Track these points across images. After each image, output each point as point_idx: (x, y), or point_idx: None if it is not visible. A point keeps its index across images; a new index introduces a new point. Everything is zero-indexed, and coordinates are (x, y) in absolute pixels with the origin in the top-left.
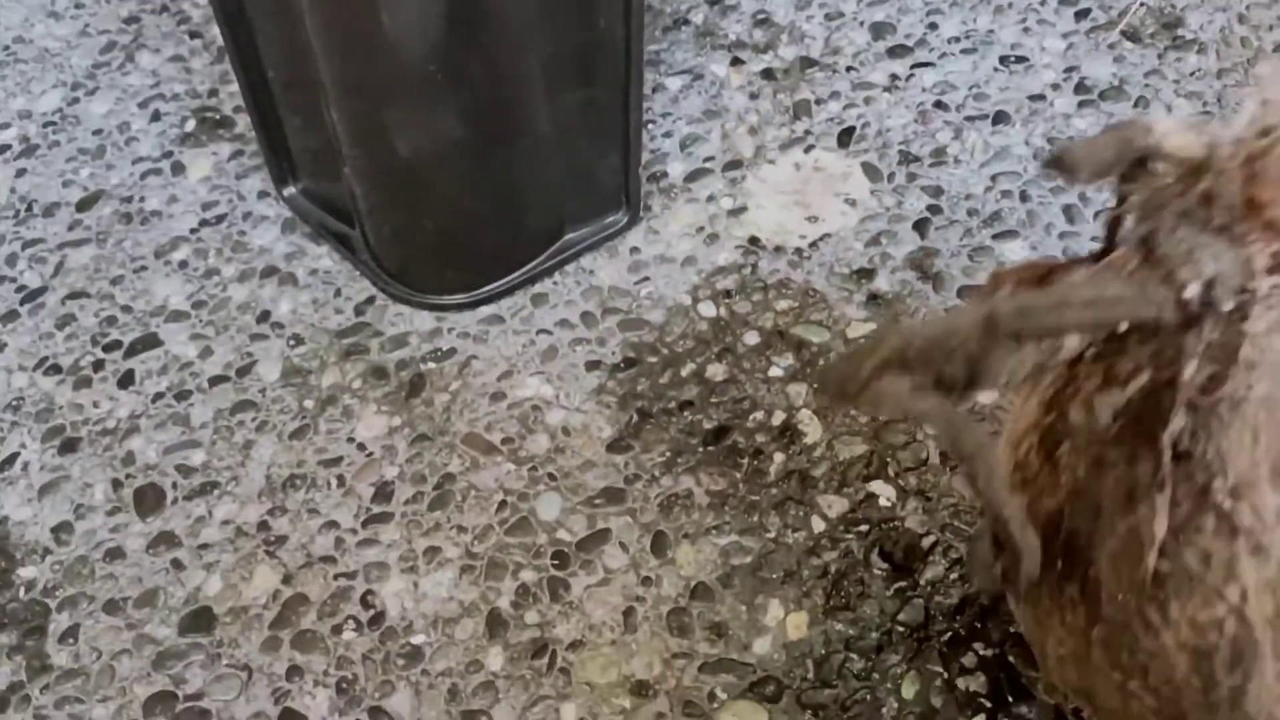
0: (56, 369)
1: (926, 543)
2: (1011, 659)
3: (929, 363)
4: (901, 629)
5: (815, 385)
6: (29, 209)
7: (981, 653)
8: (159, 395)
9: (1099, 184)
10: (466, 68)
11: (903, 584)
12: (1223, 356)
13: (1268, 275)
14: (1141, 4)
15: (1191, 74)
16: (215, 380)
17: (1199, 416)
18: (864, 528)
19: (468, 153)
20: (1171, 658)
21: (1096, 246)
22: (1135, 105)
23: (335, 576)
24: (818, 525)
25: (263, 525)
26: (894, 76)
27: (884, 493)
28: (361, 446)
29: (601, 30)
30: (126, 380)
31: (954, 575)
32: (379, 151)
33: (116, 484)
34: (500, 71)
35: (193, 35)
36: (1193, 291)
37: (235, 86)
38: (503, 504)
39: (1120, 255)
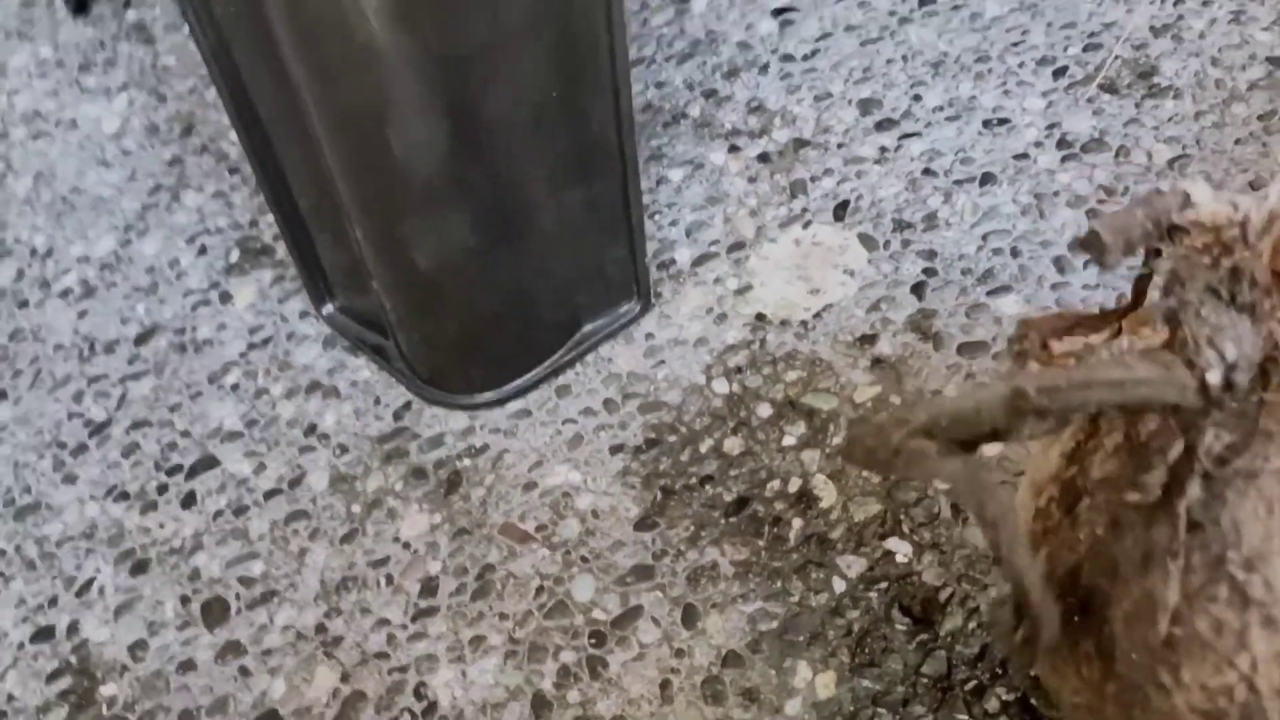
0: (125, 495)
1: (944, 595)
2: (1034, 701)
3: (955, 436)
4: (925, 681)
5: (841, 451)
6: (91, 348)
7: (1004, 698)
8: (219, 513)
9: (1129, 260)
10: (472, 180)
11: (924, 637)
12: (1241, 427)
13: None
14: (1116, 57)
15: (1169, 119)
16: (269, 494)
17: (1215, 486)
18: (883, 585)
19: (480, 258)
20: (1183, 719)
21: (1095, 295)
22: (1116, 155)
23: (389, 671)
24: (839, 585)
25: (320, 628)
26: (883, 149)
27: (900, 549)
28: (406, 545)
29: (596, 134)
30: (189, 501)
31: (972, 625)
32: (400, 264)
33: (185, 600)
34: (504, 180)
35: (232, 171)
36: (1215, 378)
37: (272, 216)
38: (540, 589)
39: (1144, 318)
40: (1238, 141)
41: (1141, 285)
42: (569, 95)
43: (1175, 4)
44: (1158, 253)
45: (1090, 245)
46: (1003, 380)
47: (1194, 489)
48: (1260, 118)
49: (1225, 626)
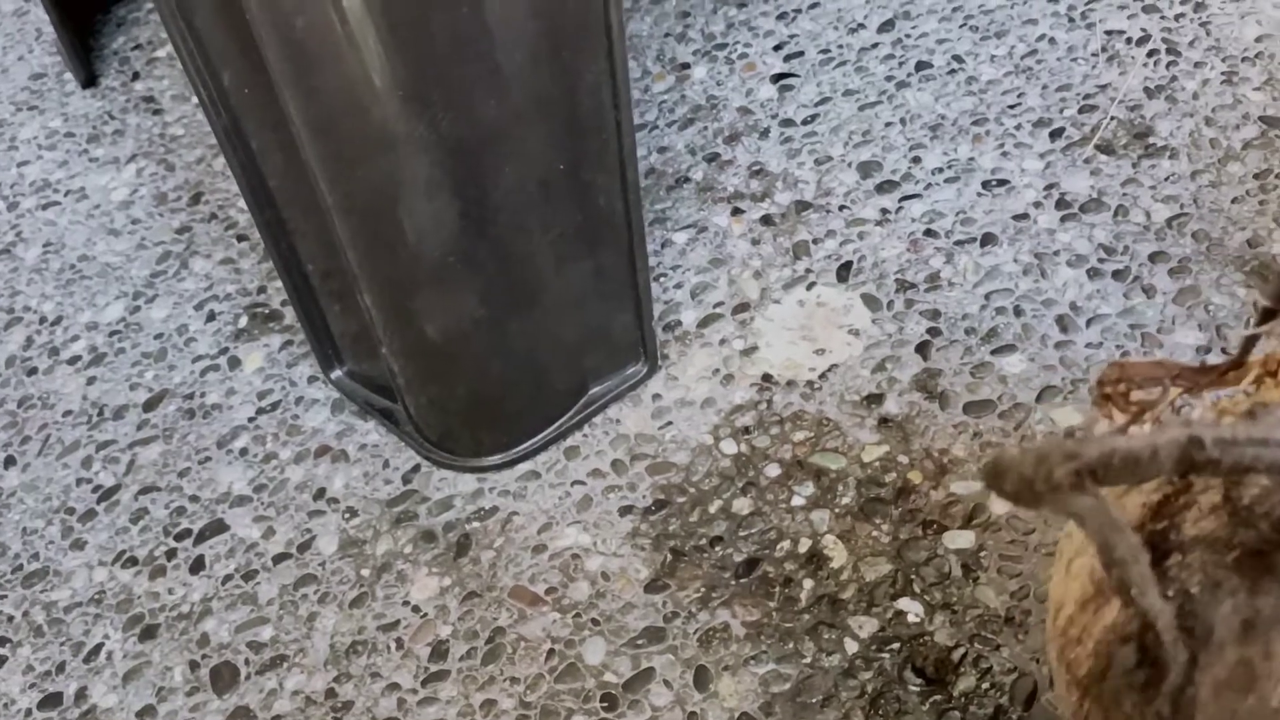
0: (133, 561)
1: (956, 655)
2: None
3: (1120, 479)
4: None
5: (985, 474)
6: (100, 413)
7: None
8: (228, 577)
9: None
10: (481, 255)
11: (937, 697)
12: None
13: None
14: (1112, 118)
15: (1166, 179)
16: (279, 558)
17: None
18: (895, 645)
19: (489, 328)
20: None
21: (1099, 354)
22: (1115, 215)
23: None
24: (851, 646)
25: (330, 693)
26: (884, 210)
27: (911, 609)
28: (416, 609)
29: (602, 207)
30: (198, 566)
31: (985, 685)
32: (410, 333)
33: (194, 665)
34: (512, 255)
35: (240, 238)
36: None
37: (281, 283)
38: (551, 652)
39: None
40: (1234, 200)
41: (1249, 344)
42: (577, 171)
43: (1168, 65)
44: (1272, 314)
45: (1266, 279)
46: (1178, 428)
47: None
48: (1256, 176)
49: None
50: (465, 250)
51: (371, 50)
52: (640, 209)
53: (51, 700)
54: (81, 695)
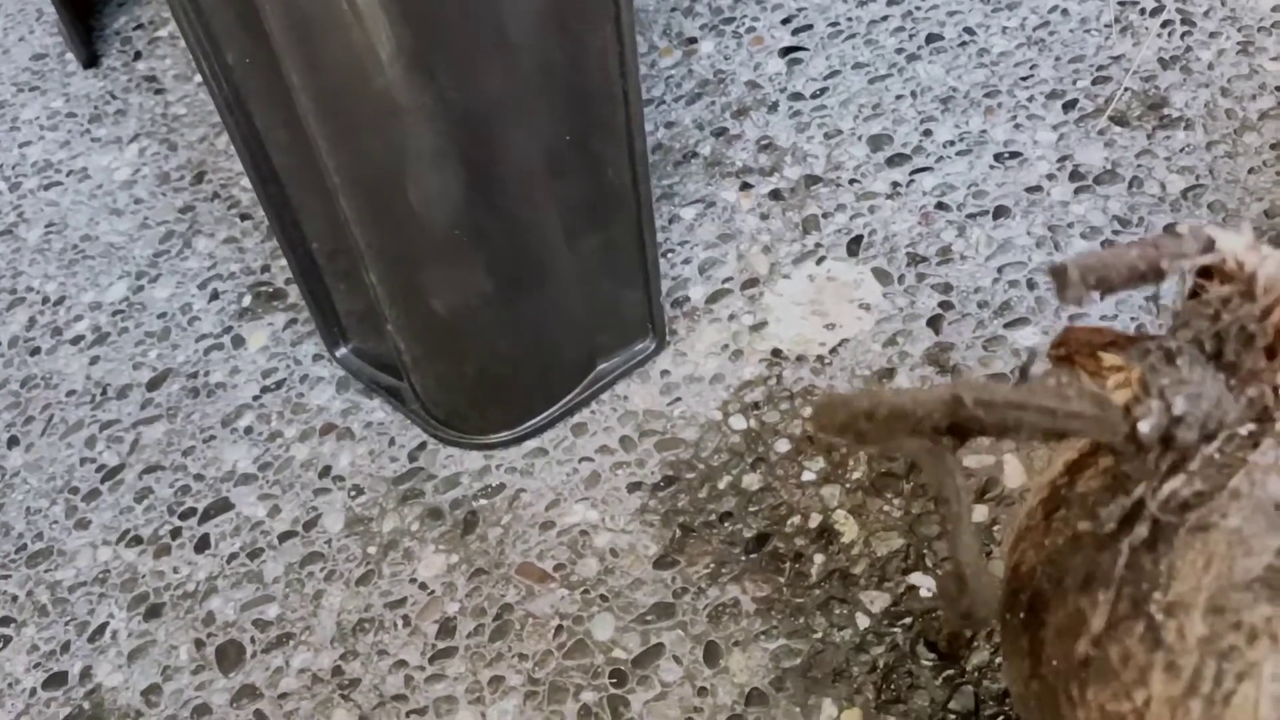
0: (138, 540)
1: (969, 630)
2: None
3: (890, 431)
4: (953, 717)
5: (812, 422)
6: (104, 393)
7: None
8: (233, 556)
9: (1094, 296)
10: (488, 229)
11: (950, 672)
12: (1215, 480)
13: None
14: (1126, 89)
15: (1181, 150)
16: (284, 536)
17: (1164, 530)
18: (907, 620)
19: (498, 303)
20: None
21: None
22: (1130, 186)
23: (408, 714)
24: (862, 621)
25: (336, 670)
26: (895, 184)
27: (924, 584)
28: (423, 586)
29: (611, 180)
30: (203, 544)
31: (999, 659)
32: (416, 309)
33: (199, 644)
34: (520, 228)
35: (243, 217)
36: (1146, 428)
37: (285, 261)
38: (559, 629)
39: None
40: (1251, 170)
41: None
42: (584, 143)
43: (1183, 36)
44: (1195, 293)
45: (1056, 276)
46: (945, 386)
47: (1141, 529)
48: (1273, 146)
49: (1132, 660)
50: (472, 223)
51: (376, 18)
52: (649, 181)
53: (56, 680)
54: (86, 674)
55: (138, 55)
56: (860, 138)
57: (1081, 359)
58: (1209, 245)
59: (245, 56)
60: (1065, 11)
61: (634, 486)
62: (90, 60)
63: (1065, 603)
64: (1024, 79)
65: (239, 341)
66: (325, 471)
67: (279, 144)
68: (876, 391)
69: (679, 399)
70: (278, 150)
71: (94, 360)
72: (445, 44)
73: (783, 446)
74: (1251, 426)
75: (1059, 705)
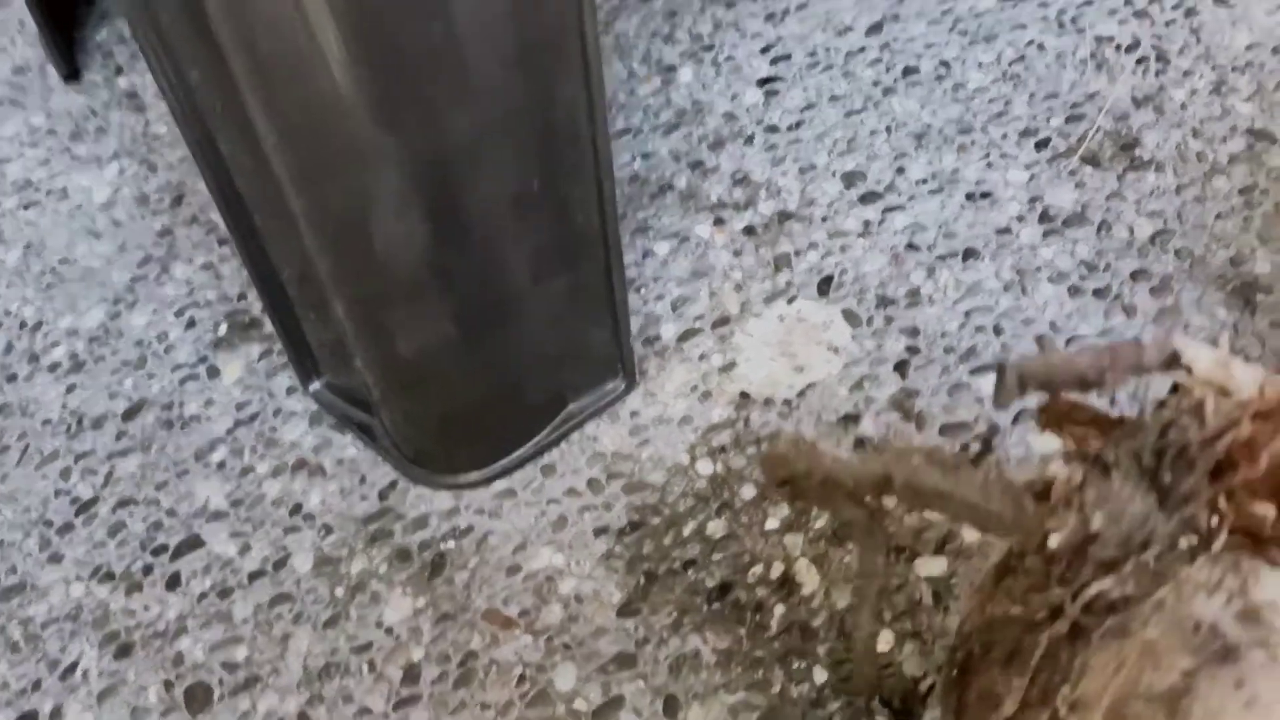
0: (110, 576)
1: (924, 685)
2: None
3: (825, 495)
4: None
5: (763, 464)
6: (79, 423)
7: None
8: (203, 595)
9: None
10: (454, 272)
11: None
12: (1143, 587)
13: (1219, 533)
14: (1098, 128)
15: (1151, 193)
16: (254, 575)
17: (1086, 627)
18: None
19: (463, 344)
20: None
21: None
22: (1099, 230)
23: None
24: (820, 676)
25: (302, 715)
26: (867, 223)
27: (882, 637)
28: (389, 630)
29: (578, 223)
30: (174, 582)
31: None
32: (383, 347)
33: (168, 685)
34: (486, 271)
35: (221, 242)
36: (1055, 542)
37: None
38: (522, 677)
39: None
40: (1219, 216)
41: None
42: (551, 186)
43: (1157, 74)
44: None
45: (999, 376)
46: (878, 461)
47: (1062, 624)
48: (1241, 191)
49: None
50: (438, 266)
51: (340, 65)
52: (617, 224)
53: (27, 719)
54: (56, 713)
55: (119, 70)
56: (834, 173)
57: (1067, 425)
58: (1172, 359)
59: (211, 94)
60: (1042, 46)
61: (600, 530)
62: (72, 74)
63: (989, 674)
64: (998, 115)
65: (214, 372)
66: (296, 509)
67: (248, 182)
68: (818, 454)
69: (648, 440)
70: (247, 188)
71: (70, 388)
72: (411, 90)
73: (748, 492)
74: (1192, 540)
75: None
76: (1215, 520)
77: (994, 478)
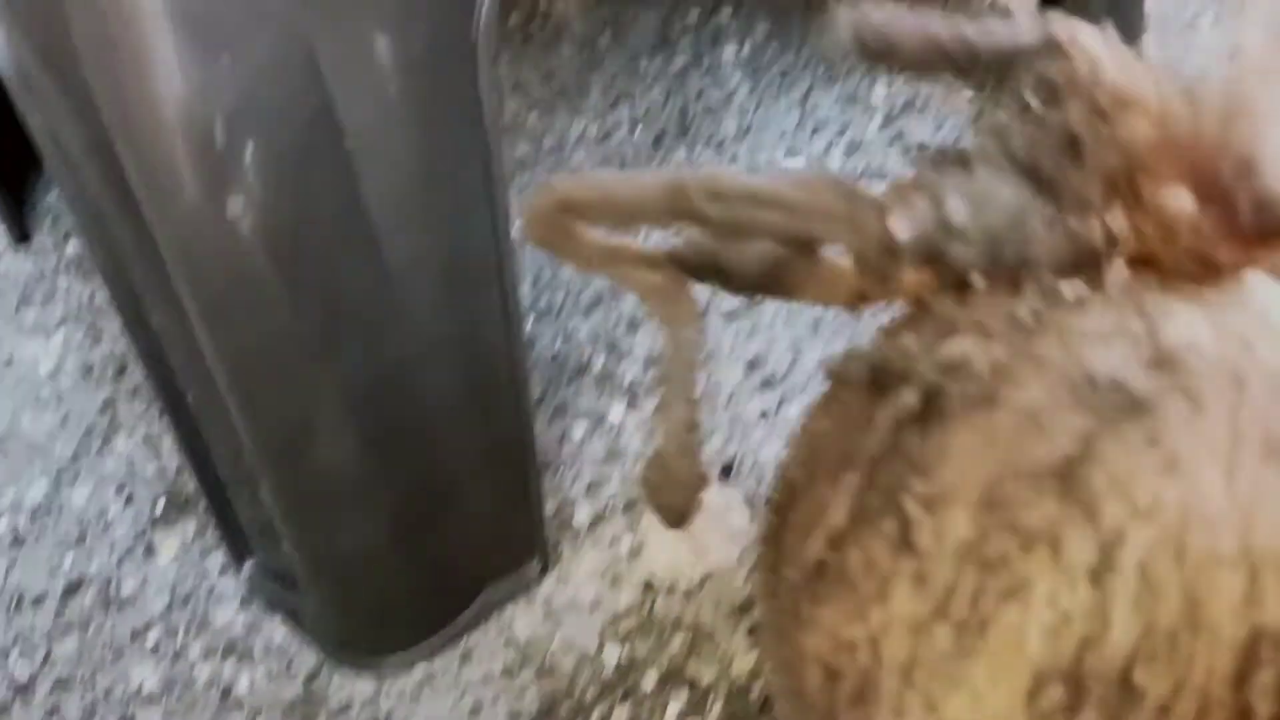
0: None
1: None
2: None
3: (601, 217)
4: None
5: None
6: (19, 602)
7: None
8: None
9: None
10: (385, 480)
11: None
12: (1015, 345)
13: (1115, 260)
14: None
15: None
16: None
17: (942, 401)
18: None
19: (390, 544)
20: (807, 667)
21: None
22: None
23: None
24: None
25: None
26: (763, 413)
27: None
28: None
29: (500, 431)
30: None
31: None
32: (311, 539)
33: None
34: (415, 478)
35: (162, 414)
36: (904, 233)
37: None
38: None
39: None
40: None
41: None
42: (475, 399)
43: None
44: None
45: (831, 26)
46: (664, 172)
47: (909, 397)
48: None
49: (874, 568)
50: (370, 475)
51: (281, 298)
52: (532, 431)
53: None
54: None
55: (67, 235)
56: (738, 359)
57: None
58: (1050, 40)
59: (165, 316)
60: None
61: (513, 717)
62: (22, 236)
63: (812, 491)
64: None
65: (150, 551)
66: (226, 693)
67: (190, 385)
68: (587, 178)
69: (560, 624)
70: (190, 388)
71: (11, 564)
72: (350, 320)
73: (651, 681)
74: (1078, 283)
75: (789, 632)
76: (1111, 237)
77: (817, 174)
